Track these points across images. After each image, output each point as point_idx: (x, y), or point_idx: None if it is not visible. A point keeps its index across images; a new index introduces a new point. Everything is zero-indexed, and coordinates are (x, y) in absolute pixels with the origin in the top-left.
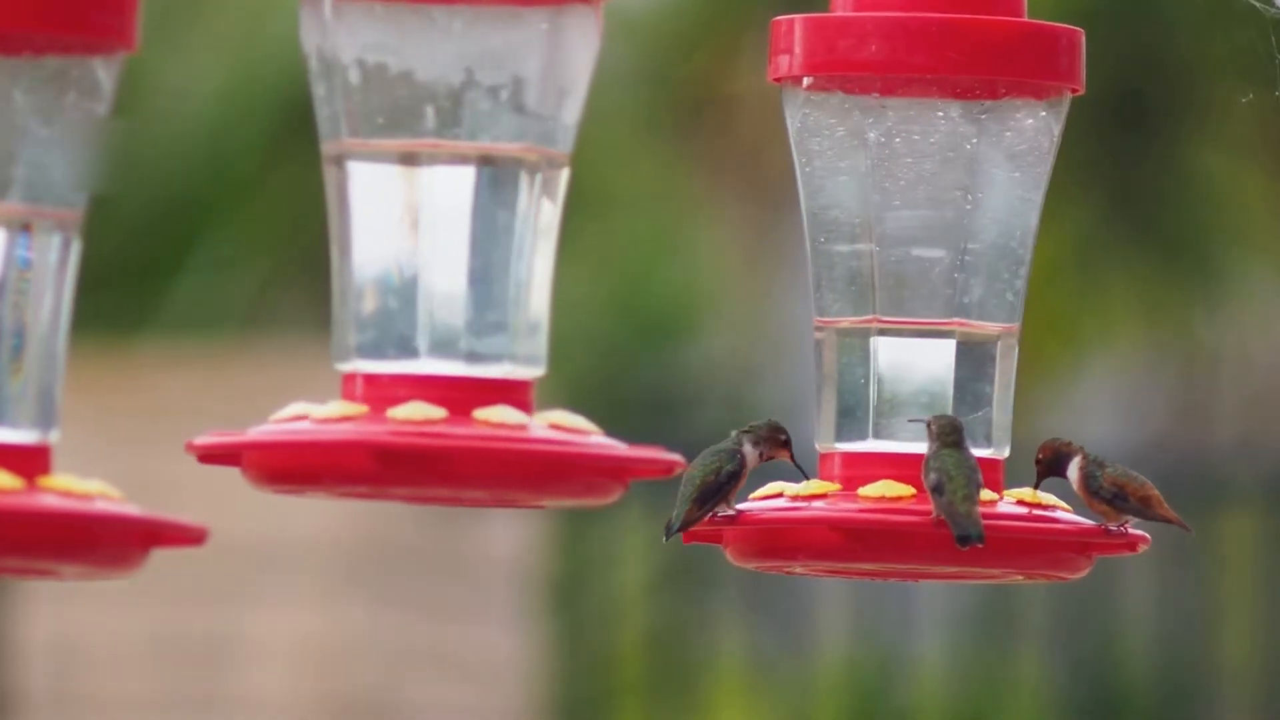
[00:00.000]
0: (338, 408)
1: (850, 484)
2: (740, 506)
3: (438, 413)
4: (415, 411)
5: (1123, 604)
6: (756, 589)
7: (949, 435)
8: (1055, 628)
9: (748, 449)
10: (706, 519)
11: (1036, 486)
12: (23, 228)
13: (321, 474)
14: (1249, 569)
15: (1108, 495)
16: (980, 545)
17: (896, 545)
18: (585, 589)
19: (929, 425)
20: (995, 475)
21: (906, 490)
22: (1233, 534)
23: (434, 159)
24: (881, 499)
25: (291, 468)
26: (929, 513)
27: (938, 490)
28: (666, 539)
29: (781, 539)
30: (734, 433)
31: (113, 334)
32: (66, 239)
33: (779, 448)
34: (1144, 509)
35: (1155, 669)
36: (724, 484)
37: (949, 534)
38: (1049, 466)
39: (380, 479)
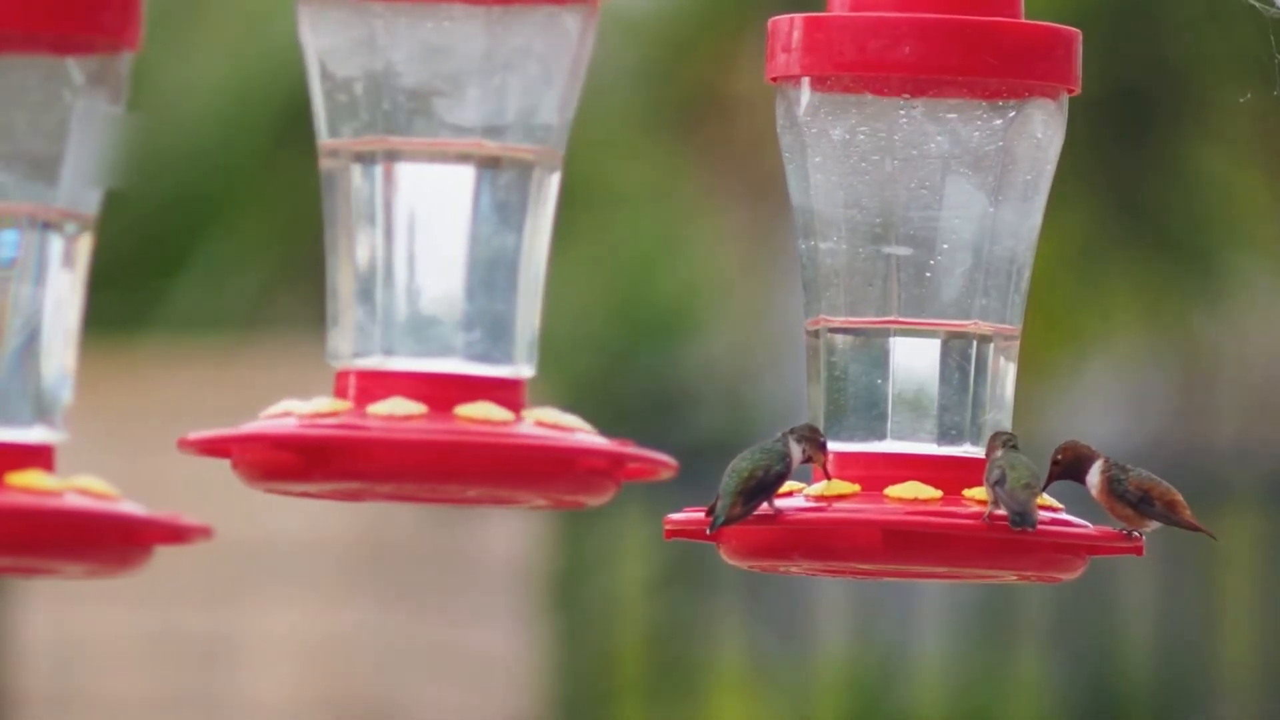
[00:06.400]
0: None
1: (866, 484)
2: (779, 505)
3: (417, 408)
4: (396, 407)
5: (1123, 604)
6: (756, 589)
7: (1006, 439)
8: (1055, 628)
9: (794, 450)
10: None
11: (1045, 487)
12: (31, 225)
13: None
14: (1249, 569)
15: (1133, 499)
16: (1031, 530)
17: (939, 547)
18: (585, 589)
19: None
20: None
21: (935, 492)
22: (1233, 534)
23: (428, 158)
24: (917, 500)
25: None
26: (978, 515)
27: (1000, 483)
28: (710, 532)
29: (827, 540)
30: (779, 432)
31: (114, 333)
32: (75, 237)
33: (818, 451)
34: (1170, 514)
35: (1155, 669)
36: (771, 483)
37: (995, 537)
38: (1067, 468)
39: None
